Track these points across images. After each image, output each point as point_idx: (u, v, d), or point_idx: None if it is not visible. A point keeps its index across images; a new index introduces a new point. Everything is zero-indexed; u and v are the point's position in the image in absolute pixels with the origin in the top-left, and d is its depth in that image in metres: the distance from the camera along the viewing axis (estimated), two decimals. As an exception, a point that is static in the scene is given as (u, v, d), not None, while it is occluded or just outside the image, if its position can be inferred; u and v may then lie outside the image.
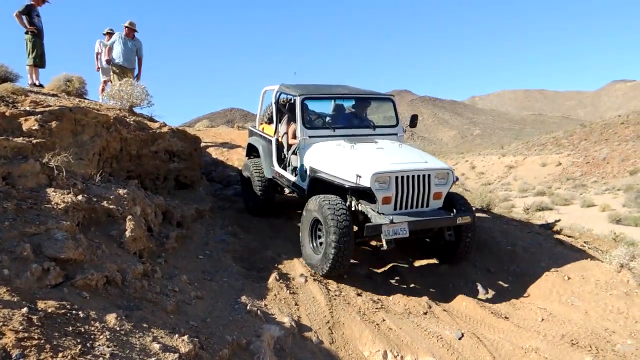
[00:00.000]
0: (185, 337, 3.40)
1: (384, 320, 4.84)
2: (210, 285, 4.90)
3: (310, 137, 6.25)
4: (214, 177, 9.70)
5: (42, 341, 2.61)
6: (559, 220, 9.82)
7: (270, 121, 7.71)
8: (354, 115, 7.04)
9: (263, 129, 7.76)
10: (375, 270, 6.13)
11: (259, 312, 4.47)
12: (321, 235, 5.52)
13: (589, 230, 9.52)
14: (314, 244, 5.65)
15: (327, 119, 6.76)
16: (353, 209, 5.54)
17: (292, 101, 6.81)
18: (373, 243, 6.50)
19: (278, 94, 7.11)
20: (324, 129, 6.45)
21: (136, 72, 9.47)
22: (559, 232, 8.07)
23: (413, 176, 5.38)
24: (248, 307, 4.48)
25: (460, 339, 4.61)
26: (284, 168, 6.87)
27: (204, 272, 5.25)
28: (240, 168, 10.32)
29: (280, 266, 5.78)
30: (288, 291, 5.15)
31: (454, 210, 5.66)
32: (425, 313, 5.10)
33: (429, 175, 5.45)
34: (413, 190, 5.38)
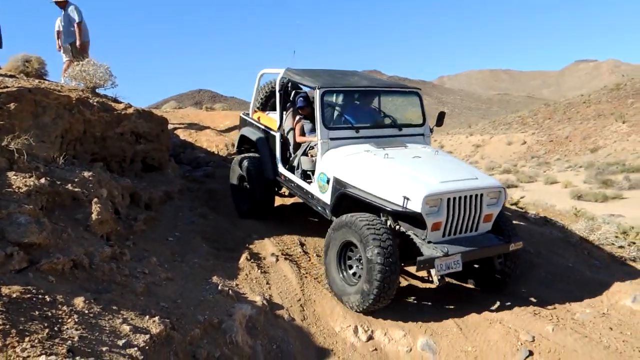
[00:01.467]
0: (156, 318, 3.40)
1: (354, 296, 4.91)
2: (180, 267, 4.88)
3: (331, 139, 5.31)
4: (182, 159, 9.57)
5: (8, 326, 2.57)
6: (523, 197, 10.11)
7: (265, 108, 7.09)
8: (374, 110, 6.07)
9: (259, 118, 6.76)
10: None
11: (230, 291, 4.49)
12: (352, 265, 4.75)
13: (551, 206, 9.84)
14: (344, 274, 4.80)
15: (344, 115, 5.72)
16: (391, 229, 4.70)
17: (302, 92, 6.16)
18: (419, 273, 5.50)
19: (284, 80, 6.09)
20: (347, 129, 5.47)
21: (72, 39, 8.58)
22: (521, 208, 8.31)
23: (465, 197, 4.55)
24: (219, 287, 4.49)
25: (428, 312, 4.73)
26: (291, 170, 5.98)
27: (173, 253, 5.22)
28: (211, 150, 10.22)
29: (251, 246, 5.78)
30: (259, 270, 5.17)
31: (503, 234, 4.92)
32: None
33: (481, 195, 4.64)
34: (464, 214, 4.58)
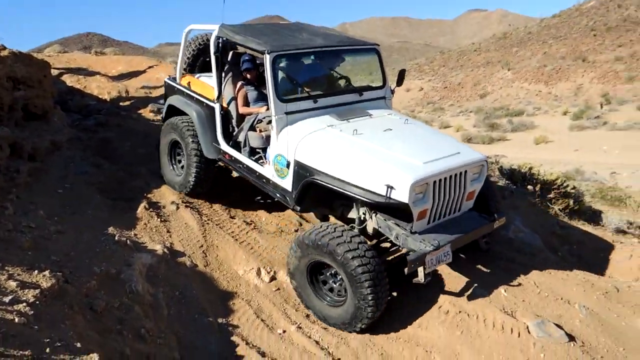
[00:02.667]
0: (47, 272, 3.25)
1: (257, 240, 5.00)
2: (72, 219, 4.65)
3: (286, 113, 4.47)
4: (70, 106, 8.87)
5: None
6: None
7: (192, 70, 6.05)
8: (329, 73, 5.22)
9: (190, 84, 5.65)
10: (248, 194, 6.22)
11: (128, 241, 4.37)
12: (327, 281, 4.13)
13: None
14: (325, 296, 4.14)
15: (298, 83, 4.76)
16: (362, 225, 4.15)
17: (243, 53, 5.28)
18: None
19: (219, 40, 4.90)
20: (304, 99, 4.61)
21: None
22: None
23: (450, 176, 4.00)
24: (116, 238, 4.35)
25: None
26: (236, 147, 5.07)
27: (64, 206, 4.94)
28: (103, 97, 9.56)
29: (149, 195, 5.61)
30: (159, 219, 5.07)
31: (489, 210, 4.48)
32: (297, 230, 5.35)
33: (465, 172, 4.12)
34: (449, 195, 4.05)
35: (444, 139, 4.61)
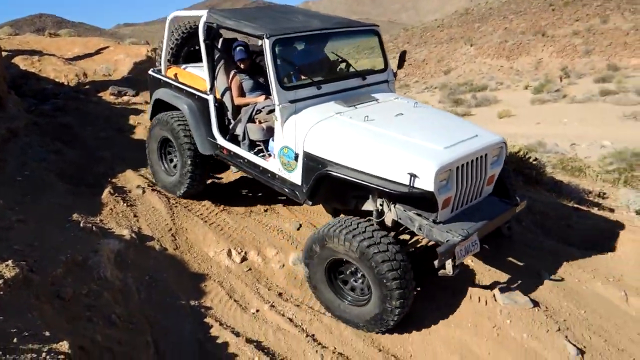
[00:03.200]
0: (10, 262, 3.16)
1: (226, 221, 4.97)
2: (34, 207, 4.52)
3: (290, 101, 4.15)
4: (25, 91, 8.55)
5: None
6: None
7: (177, 61, 5.58)
8: (328, 57, 4.98)
9: (177, 76, 5.25)
10: (217, 176, 6.15)
11: (94, 228, 4.28)
12: (347, 280, 3.89)
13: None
14: (346, 296, 3.91)
15: (298, 68, 4.48)
16: (380, 217, 3.91)
17: (236, 40, 5.00)
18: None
19: (207, 26, 4.58)
20: (307, 86, 4.29)
21: None
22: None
23: (472, 161, 3.77)
24: (82, 225, 4.26)
25: (298, 229, 4.96)
26: (233, 141, 4.73)
27: (24, 194, 4.79)
28: (60, 80, 9.23)
29: (114, 180, 5.50)
30: (125, 204, 4.97)
31: (509, 195, 4.30)
32: (266, 210, 5.33)
33: (485, 155, 3.89)
34: (471, 180, 3.83)
35: (458, 121, 4.41)
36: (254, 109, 4.64)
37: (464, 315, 3.88)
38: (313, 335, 3.79)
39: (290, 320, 3.91)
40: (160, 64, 5.46)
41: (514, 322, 3.79)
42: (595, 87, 24.43)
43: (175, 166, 5.30)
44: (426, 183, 3.44)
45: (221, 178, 5.82)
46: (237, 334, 3.64)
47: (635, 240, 4.92)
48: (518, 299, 3.95)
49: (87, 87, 9.26)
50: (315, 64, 4.78)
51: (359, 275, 3.78)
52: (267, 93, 4.62)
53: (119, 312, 3.44)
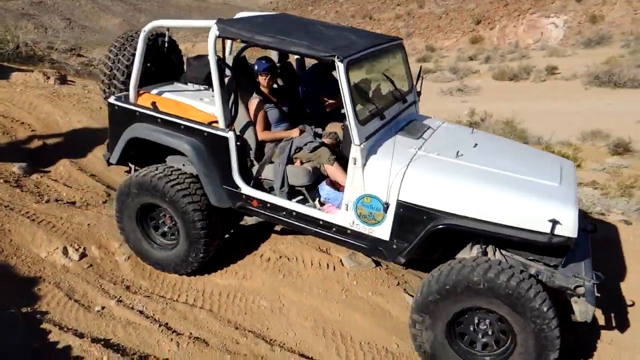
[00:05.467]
0: None
1: (58, 217, 4.52)
2: None
3: (366, 138, 3.39)
4: None
5: None
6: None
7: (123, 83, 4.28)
8: (371, 79, 4.19)
9: (155, 104, 4.00)
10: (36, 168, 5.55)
11: None
12: (478, 332, 3.28)
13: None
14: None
15: (365, 93, 3.83)
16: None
17: (278, 63, 4.20)
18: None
19: (232, 47, 3.80)
20: (374, 116, 3.59)
21: None
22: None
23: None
24: None
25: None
26: (259, 188, 3.84)
27: None
28: None
29: None
30: None
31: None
32: (105, 202, 4.98)
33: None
34: None
35: (529, 150, 4.30)
36: (291, 147, 3.78)
37: (315, 282, 4.08)
38: (167, 323, 3.67)
39: (141, 312, 3.73)
40: (107, 90, 4.32)
41: (359, 283, 4.09)
42: (417, 66, 26.88)
43: (166, 234, 4.17)
44: (568, 229, 3.07)
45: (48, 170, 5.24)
46: (81, 336, 3.36)
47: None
48: (362, 261, 4.27)
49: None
50: (371, 89, 4.11)
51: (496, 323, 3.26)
52: (293, 124, 4.10)
53: None
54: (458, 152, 3.53)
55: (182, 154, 3.89)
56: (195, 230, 3.83)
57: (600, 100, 17.05)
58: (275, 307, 3.93)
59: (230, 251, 4.39)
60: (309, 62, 4.54)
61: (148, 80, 4.22)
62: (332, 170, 3.73)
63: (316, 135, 3.93)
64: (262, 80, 3.98)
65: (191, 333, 3.61)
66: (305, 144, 3.77)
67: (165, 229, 4.14)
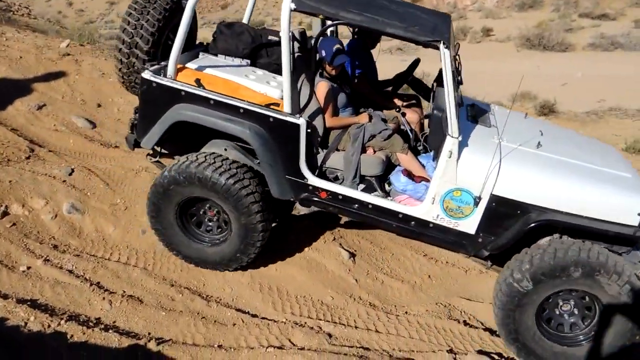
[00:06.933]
0: None
1: (-25, 174, 4.23)
2: None
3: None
4: None
5: None
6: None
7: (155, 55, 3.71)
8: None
9: (199, 82, 3.43)
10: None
11: None
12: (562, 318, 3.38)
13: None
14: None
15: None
16: None
17: (334, 39, 3.74)
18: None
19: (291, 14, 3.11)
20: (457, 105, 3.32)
21: None
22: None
23: None
24: None
25: (71, 174, 4.49)
26: (324, 178, 3.56)
27: None
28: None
29: None
30: None
31: None
32: (29, 157, 4.68)
33: None
34: None
35: (577, 135, 4.31)
36: (363, 134, 3.53)
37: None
38: (98, 282, 3.57)
39: (70, 271, 3.60)
40: (126, 61, 3.69)
41: (296, 238, 4.14)
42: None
43: (212, 230, 3.80)
44: None
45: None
46: (5, 297, 3.20)
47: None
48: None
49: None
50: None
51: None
52: (356, 108, 3.82)
53: None
54: (539, 143, 3.48)
55: (224, 137, 3.54)
56: (251, 224, 3.47)
57: (531, 62, 17.74)
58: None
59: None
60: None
61: (166, 51, 3.62)
62: (406, 159, 3.58)
63: (384, 120, 3.73)
64: (329, 69, 3.64)
65: (124, 291, 3.54)
66: (380, 132, 3.59)
67: (211, 224, 3.76)
